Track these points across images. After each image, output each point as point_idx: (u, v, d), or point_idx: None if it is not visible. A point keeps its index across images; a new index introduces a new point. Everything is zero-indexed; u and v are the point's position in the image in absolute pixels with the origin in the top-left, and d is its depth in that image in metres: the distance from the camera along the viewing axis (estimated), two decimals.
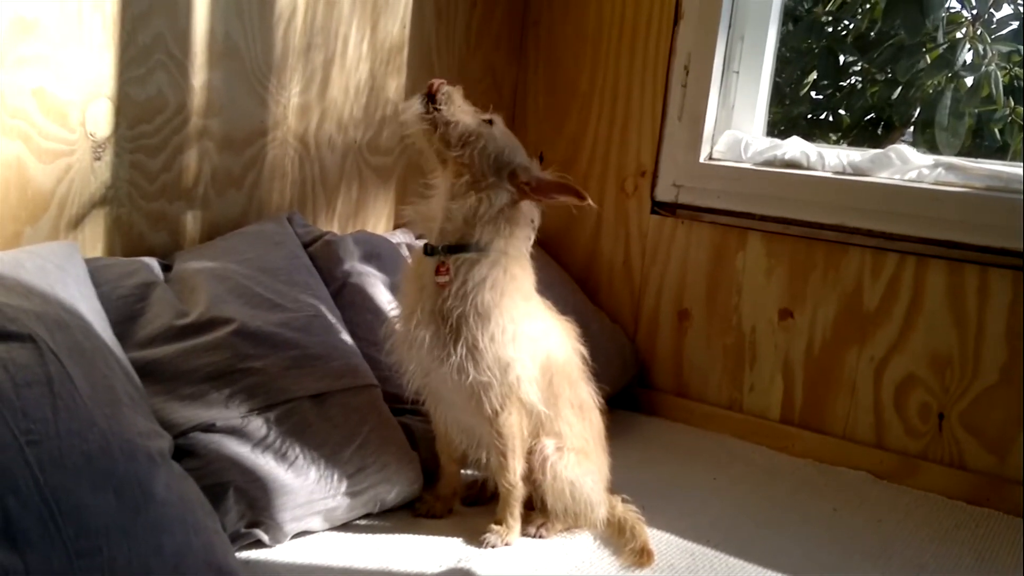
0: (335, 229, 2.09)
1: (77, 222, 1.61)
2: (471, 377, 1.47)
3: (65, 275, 1.39)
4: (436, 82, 1.48)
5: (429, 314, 1.48)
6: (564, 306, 1.70)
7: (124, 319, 1.51)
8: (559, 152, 2.47)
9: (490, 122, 1.51)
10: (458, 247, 1.47)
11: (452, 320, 1.46)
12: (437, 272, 1.47)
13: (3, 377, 1.13)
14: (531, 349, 1.53)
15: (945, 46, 2.45)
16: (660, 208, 2.32)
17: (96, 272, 1.53)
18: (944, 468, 1.96)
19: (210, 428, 1.42)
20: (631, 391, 2.34)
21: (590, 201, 1.47)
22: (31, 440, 1.10)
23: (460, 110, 1.49)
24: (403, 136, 1.39)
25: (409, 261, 1.63)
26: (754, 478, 1.96)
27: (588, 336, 1.68)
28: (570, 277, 2.42)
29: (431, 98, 1.48)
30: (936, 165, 2.00)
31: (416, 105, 1.49)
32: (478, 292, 1.46)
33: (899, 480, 1.98)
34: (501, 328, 1.47)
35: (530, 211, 1.52)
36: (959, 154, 2.26)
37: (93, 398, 1.19)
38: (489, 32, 2.44)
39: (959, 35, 2.46)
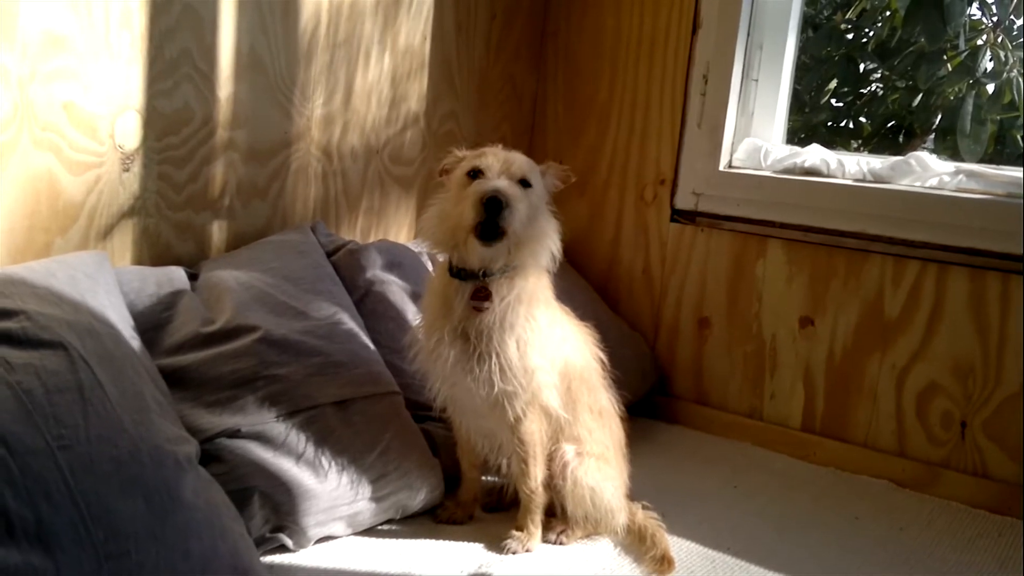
0: (357, 238, 2.12)
1: (106, 232, 1.64)
2: (497, 388, 1.47)
3: (95, 284, 1.43)
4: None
5: (455, 332, 1.48)
6: (583, 314, 1.71)
7: (152, 327, 1.54)
8: (578, 161, 2.49)
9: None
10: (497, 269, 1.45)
11: (480, 336, 1.46)
12: (476, 296, 1.46)
13: (35, 383, 1.16)
14: (551, 354, 1.54)
15: (966, 53, 2.44)
16: (680, 216, 2.33)
17: (125, 281, 1.56)
18: (967, 476, 1.94)
19: (235, 434, 1.45)
20: (651, 399, 2.34)
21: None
22: (63, 445, 1.13)
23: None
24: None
25: (432, 274, 1.63)
26: (775, 486, 1.95)
27: (608, 344, 1.69)
28: (590, 285, 2.43)
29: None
30: (957, 172, 2.00)
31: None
32: (509, 307, 1.46)
33: (921, 489, 1.97)
34: (526, 338, 1.48)
35: (550, 217, 1.53)
36: (980, 161, 2.26)
37: (122, 405, 1.22)
38: (509, 43, 2.46)
39: (980, 42, 2.45)
